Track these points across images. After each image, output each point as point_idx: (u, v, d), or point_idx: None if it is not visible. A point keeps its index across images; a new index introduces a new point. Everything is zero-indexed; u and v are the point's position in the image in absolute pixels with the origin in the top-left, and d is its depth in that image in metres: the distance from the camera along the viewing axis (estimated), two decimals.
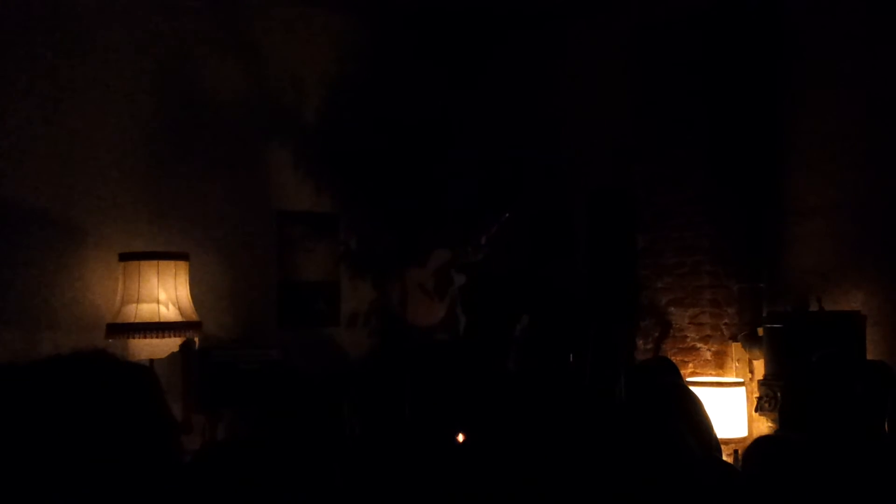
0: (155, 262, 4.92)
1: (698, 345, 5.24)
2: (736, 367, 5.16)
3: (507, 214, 5.53)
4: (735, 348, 5.16)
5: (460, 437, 3.20)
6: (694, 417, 3.01)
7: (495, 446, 2.92)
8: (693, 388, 3.39)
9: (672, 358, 4.91)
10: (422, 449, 2.97)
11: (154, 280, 4.88)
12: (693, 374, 5.14)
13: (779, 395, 4.32)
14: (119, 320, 4.85)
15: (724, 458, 3.88)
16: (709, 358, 5.20)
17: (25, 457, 1.33)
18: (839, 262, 4.94)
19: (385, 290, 6.14)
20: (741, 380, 5.01)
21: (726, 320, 5.21)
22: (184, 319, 4.93)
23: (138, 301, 4.85)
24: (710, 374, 5.14)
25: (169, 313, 4.89)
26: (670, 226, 5.35)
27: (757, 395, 4.68)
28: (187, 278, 5.05)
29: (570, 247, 6.19)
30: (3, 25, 5.02)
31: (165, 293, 4.90)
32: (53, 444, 1.34)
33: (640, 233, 5.52)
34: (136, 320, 4.81)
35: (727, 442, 4.53)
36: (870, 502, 2.26)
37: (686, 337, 5.29)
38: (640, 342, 5.50)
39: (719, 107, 5.21)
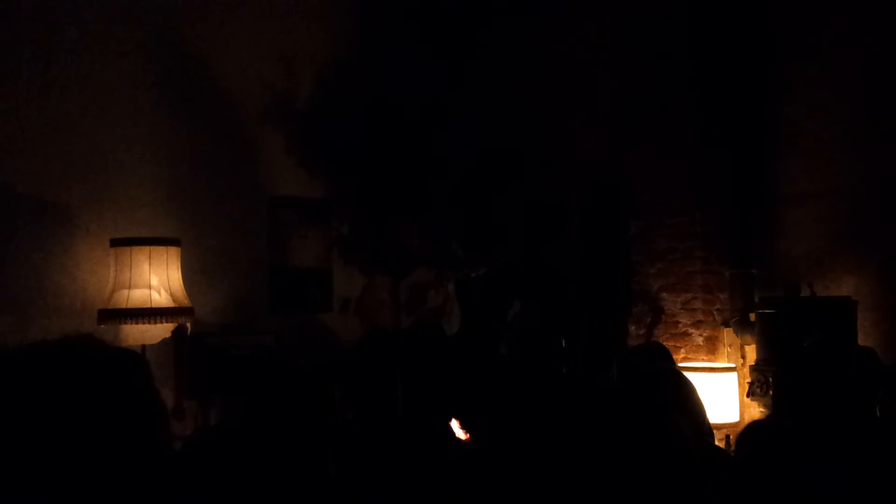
0: (147, 247, 4.90)
1: (690, 330, 5.25)
2: (728, 352, 5.17)
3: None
4: (727, 334, 5.17)
5: (456, 427, 3.21)
6: (686, 402, 3.02)
7: (488, 432, 2.93)
8: (685, 374, 3.39)
9: (664, 343, 4.92)
10: (414, 435, 2.97)
11: (146, 266, 4.87)
12: (685, 359, 5.15)
13: (770, 380, 4.33)
14: (111, 306, 4.84)
15: (717, 443, 3.89)
16: (701, 343, 5.22)
17: (13, 442, 1.32)
18: (831, 248, 4.95)
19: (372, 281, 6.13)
20: (733, 365, 5.02)
21: (718, 306, 5.22)
22: (175, 305, 4.92)
23: (130, 287, 4.84)
24: (702, 360, 5.15)
25: (161, 299, 4.87)
26: (662, 212, 5.35)
27: (749, 380, 4.69)
28: (179, 264, 5.04)
29: (564, 233, 6.19)
30: None
31: (157, 279, 4.89)
32: (42, 430, 1.33)
33: (632, 219, 5.52)
34: (128, 306, 4.80)
35: (719, 427, 4.54)
36: (861, 487, 2.27)
37: (678, 322, 5.30)
38: (632, 328, 5.51)
39: (711, 93, 5.21)
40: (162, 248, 4.95)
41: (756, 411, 4.73)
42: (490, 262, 5.67)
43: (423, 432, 2.98)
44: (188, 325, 5.19)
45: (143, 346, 4.84)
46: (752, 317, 4.93)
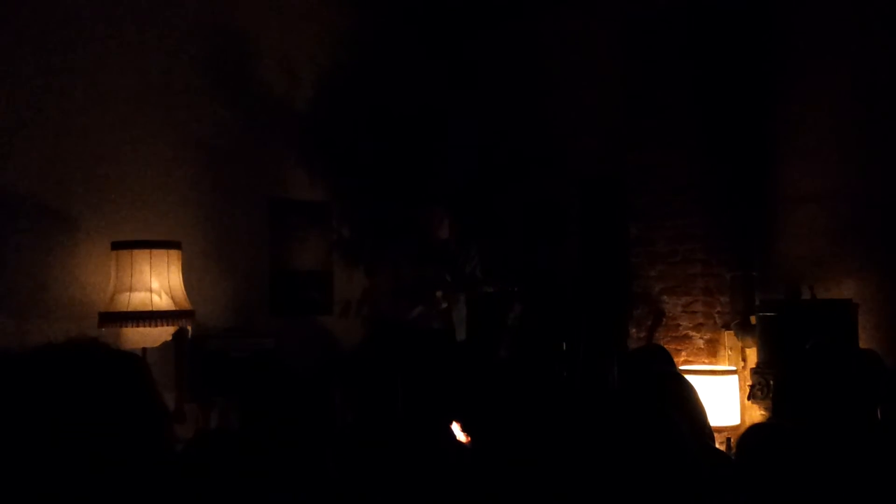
0: (147, 250, 4.90)
1: (691, 333, 5.25)
2: (728, 355, 5.17)
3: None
4: (728, 336, 5.17)
5: (457, 430, 3.21)
6: (687, 405, 3.02)
7: (488, 435, 2.92)
8: (686, 377, 3.39)
9: (665, 346, 4.92)
10: (414, 437, 2.97)
11: (146, 268, 4.87)
12: (686, 362, 5.15)
13: (771, 382, 4.32)
14: (111, 309, 4.84)
15: (717, 445, 3.89)
16: (701, 346, 5.21)
17: (18, 445, 1.32)
18: (831, 251, 4.94)
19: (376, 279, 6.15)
20: (734, 368, 5.02)
21: (719, 308, 5.22)
22: (176, 308, 4.92)
23: (131, 290, 4.84)
24: (703, 363, 5.15)
25: (161, 302, 4.87)
26: (663, 214, 5.35)
27: (749, 383, 4.69)
28: (180, 267, 5.04)
29: (564, 235, 6.19)
30: None
31: (158, 282, 4.89)
32: (46, 432, 1.33)
33: (632, 221, 5.52)
34: (129, 309, 4.80)
35: (720, 430, 4.54)
36: (863, 489, 2.27)
37: (679, 325, 5.30)
38: (632, 330, 5.50)
39: (711, 95, 5.21)
40: (163, 251, 4.95)
41: (757, 414, 4.73)
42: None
43: (424, 435, 2.98)
44: (189, 327, 5.19)
45: (144, 349, 4.84)
46: (753, 319, 4.93)
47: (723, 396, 4.75)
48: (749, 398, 4.66)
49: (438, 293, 5.57)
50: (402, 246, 5.83)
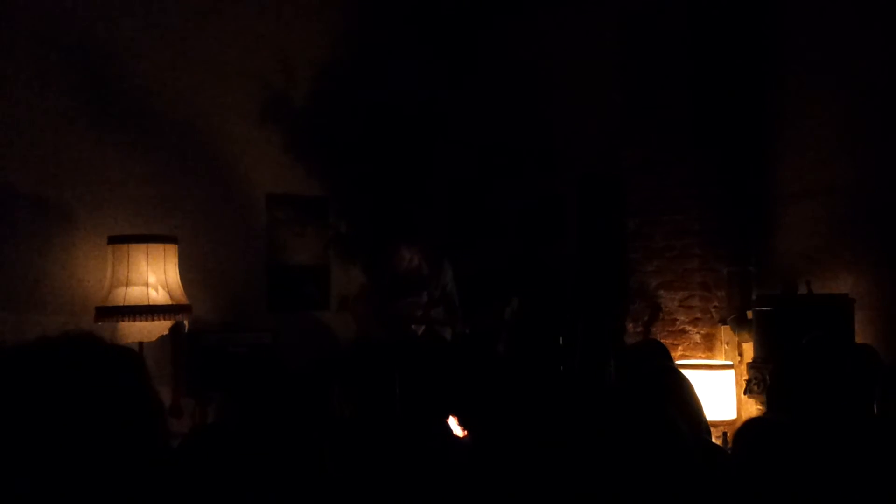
0: (144, 245, 4.90)
1: (688, 328, 5.25)
2: (725, 349, 5.18)
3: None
4: (724, 331, 5.18)
5: (454, 425, 3.21)
6: (684, 400, 3.02)
7: (485, 429, 2.93)
8: (682, 371, 3.39)
9: (661, 341, 4.92)
10: (411, 432, 2.97)
11: (143, 263, 4.86)
12: (682, 356, 5.15)
13: (767, 377, 4.33)
14: (108, 303, 4.83)
15: (714, 440, 3.89)
16: (698, 341, 5.22)
17: (12, 439, 1.32)
18: (828, 246, 4.95)
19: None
20: (730, 362, 5.02)
21: (716, 303, 5.22)
22: (173, 303, 4.92)
23: (127, 284, 4.83)
24: (700, 357, 5.16)
25: (158, 296, 4.87)
26: (660, 209, 5.35)
27: (746, 377, 4.69)
28: (176, 261, 5.03)
29: (561, 231, 6.19)
30: None
31: (154, 276, 4.89)
32: (41, 426, 1.33)
33: (630, 216, 5.52)
34: (126, 303, 4.79)
35: (716, 424, 4.54)
36: (858, 485, 2.27)
37: (675, 320, 5.30)
38: (629, 325, 5.51)
39: (709, 91, 5.21)
40: (159, 246, 4.94)
41: (753, 409, 4.73)
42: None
43: (421, 430, 2.98)
44: (185, 322, 5.18)
45: (141, 344, 4.84)
46: (750, 314, 4.94)
47: (719, 391, 4.76)
48: (745, 393, 4.67)
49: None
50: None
